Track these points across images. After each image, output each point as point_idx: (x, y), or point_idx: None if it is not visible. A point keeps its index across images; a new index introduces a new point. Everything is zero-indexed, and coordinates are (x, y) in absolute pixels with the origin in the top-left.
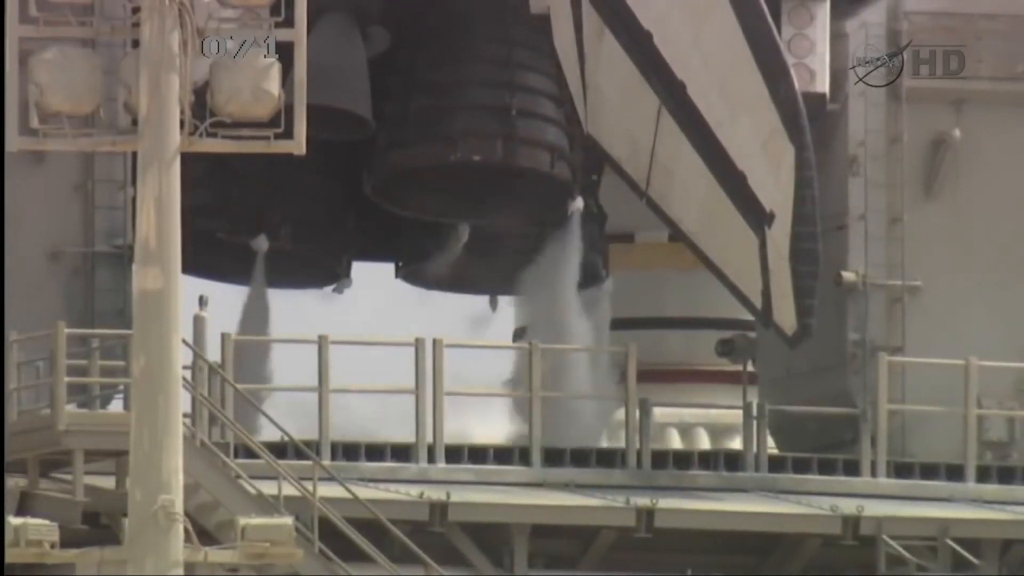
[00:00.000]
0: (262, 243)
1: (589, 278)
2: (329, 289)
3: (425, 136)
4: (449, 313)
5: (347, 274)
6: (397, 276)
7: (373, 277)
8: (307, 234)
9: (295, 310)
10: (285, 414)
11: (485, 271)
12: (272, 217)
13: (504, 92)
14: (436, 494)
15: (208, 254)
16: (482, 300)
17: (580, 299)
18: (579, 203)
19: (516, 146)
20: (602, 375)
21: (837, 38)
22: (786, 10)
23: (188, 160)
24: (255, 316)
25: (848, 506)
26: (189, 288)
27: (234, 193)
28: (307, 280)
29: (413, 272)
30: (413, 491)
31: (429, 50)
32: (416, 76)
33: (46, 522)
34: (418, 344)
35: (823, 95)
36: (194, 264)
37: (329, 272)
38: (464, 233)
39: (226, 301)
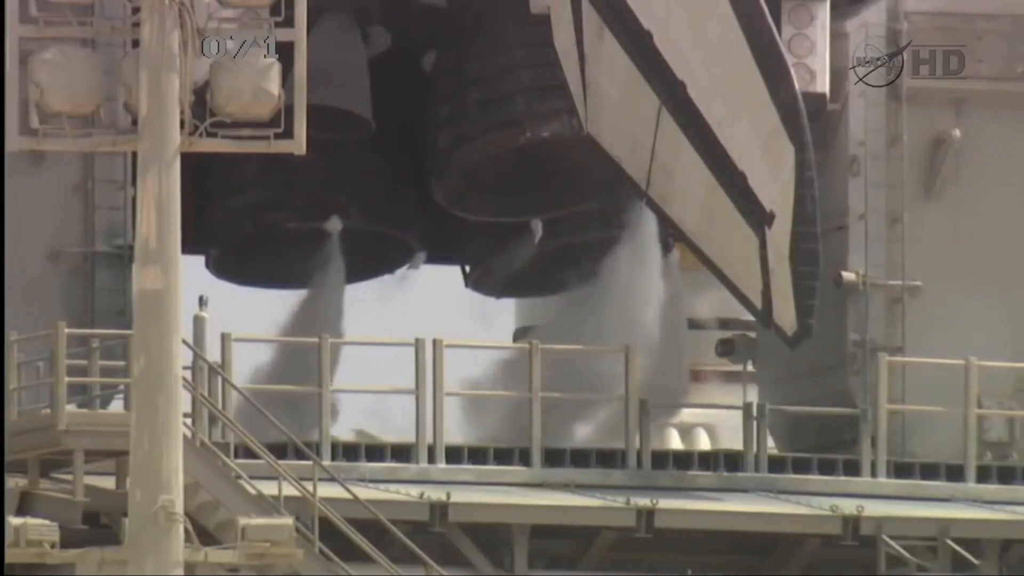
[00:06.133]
0: (335, 223)
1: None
2: (404, 269)
3: (490, 125)
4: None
5: (420, 248)
6: (467, 285)
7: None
8: (375, 210)
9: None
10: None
11: (559, 270)
12: (338, 199)
13: (558, 68)
14: (436, 494)
15: (276, 261)
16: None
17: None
18: None
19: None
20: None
21: (837, 38)
22: (786, 10)
23: (241, 161)
24: (329, 309)
25: (848, 506)
26: (222, 292)
27: (297, 183)
28: (381, 261)
29: (482, 276)
30: (413, 491)
31: (472, 46)
32: (466, 72)
33: (46, 522)
34: (418, 344)
35: (823, 95)
36: (264, 274)
37: (402, 246)
38: (538, 229)
39: (226, 301)
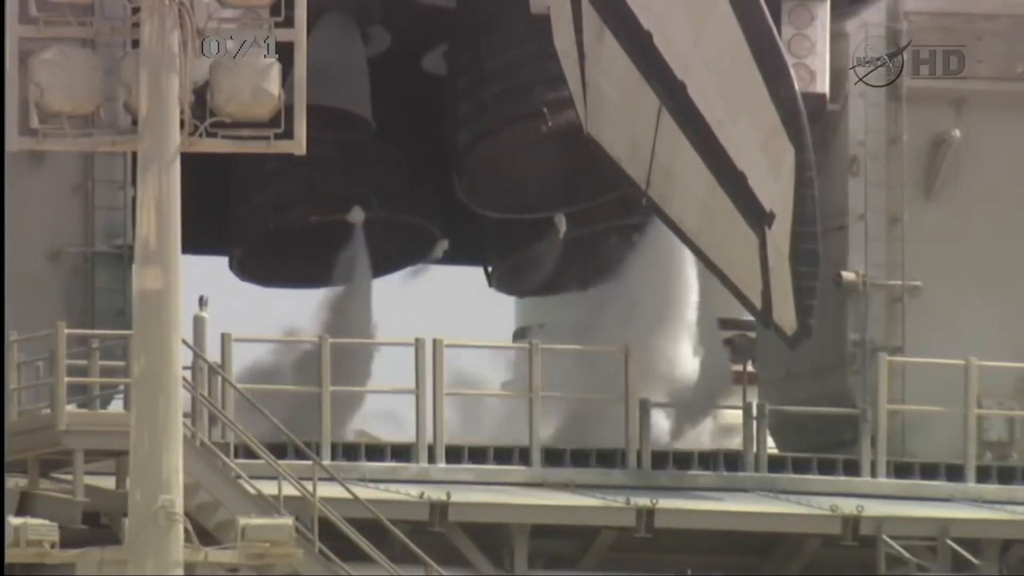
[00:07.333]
0: (358, 214)
1: None
2: (424, 262)
3: (511, 117)
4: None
5: (441, 236)
6: (491, 284)
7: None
8: (395, 199)
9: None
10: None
11: (583, 265)
12: (358, 189)
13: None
14: (436, 494)
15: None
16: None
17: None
18: None
19: None
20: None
21: (837, 38)
22: (786, 10)
23: (258, 159)
24: (358, 307)
25: (848, 506)
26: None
27: (317, 176)
28: (405, 251)
29: (506, 275)
30: (413, 491)
31: (485, 43)
32: (482, 69)
33: (46, 522)
34: (418, 344)
35: (823, 95)
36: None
37: (425, 234)
38: (562, 224)
39: (226, 301)
